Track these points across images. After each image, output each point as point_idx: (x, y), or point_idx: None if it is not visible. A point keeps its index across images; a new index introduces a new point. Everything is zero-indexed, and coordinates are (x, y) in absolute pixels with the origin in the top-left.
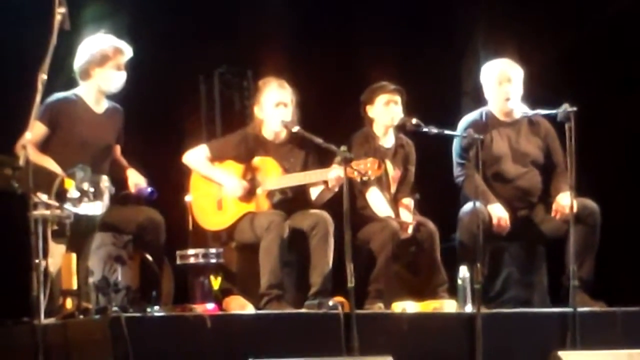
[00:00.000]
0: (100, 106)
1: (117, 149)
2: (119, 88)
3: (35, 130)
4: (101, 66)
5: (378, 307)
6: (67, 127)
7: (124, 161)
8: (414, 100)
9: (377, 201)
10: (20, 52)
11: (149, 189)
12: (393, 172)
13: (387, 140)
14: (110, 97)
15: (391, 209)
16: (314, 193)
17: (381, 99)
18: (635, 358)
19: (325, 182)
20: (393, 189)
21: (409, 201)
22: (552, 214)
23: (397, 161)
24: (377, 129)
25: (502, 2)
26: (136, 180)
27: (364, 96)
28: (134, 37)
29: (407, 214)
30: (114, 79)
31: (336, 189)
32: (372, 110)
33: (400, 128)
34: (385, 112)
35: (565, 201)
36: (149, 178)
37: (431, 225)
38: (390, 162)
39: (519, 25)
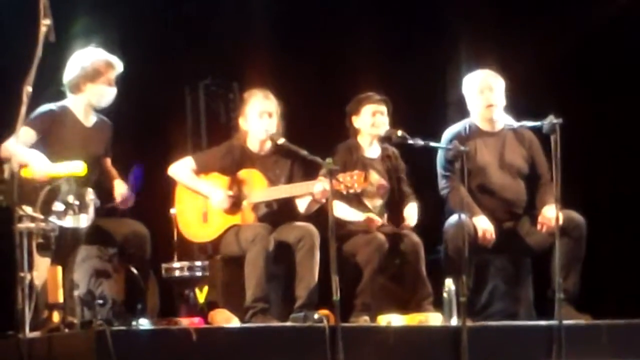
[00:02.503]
0: (89, 120)
1: (108, 161)
2: (109, 103)
3: (25, 135)
4: (93, 81)
5: (364, 320)
6: (56, 139)
7: (113, 171)
8: (398, 111)
9: (343, 211)
10: (6, 64)
11: (133, 173)
12: (378, 181)
13: (372, 151)
14: (98, 109)
15: (378, 217)
16: (301, 205)
17: (367, 110)
18: None
19: (312, 194)
20: (378, 199)
21: (412, 206)
22: (538, 227)
23: (383, 171)
24: (363, 139)
25: (487, 14)
26: (121, 191)
27: (350, 107)
28: (120, 50)
29: (412, 219)
30: (105, 94)
31: (323, 201)
32: (357, 121)
33: (386, 140)
34: (372, 122)
35: (550, 214)
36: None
37: (415, 237)
38: (375, 172)
39: (503, 36)
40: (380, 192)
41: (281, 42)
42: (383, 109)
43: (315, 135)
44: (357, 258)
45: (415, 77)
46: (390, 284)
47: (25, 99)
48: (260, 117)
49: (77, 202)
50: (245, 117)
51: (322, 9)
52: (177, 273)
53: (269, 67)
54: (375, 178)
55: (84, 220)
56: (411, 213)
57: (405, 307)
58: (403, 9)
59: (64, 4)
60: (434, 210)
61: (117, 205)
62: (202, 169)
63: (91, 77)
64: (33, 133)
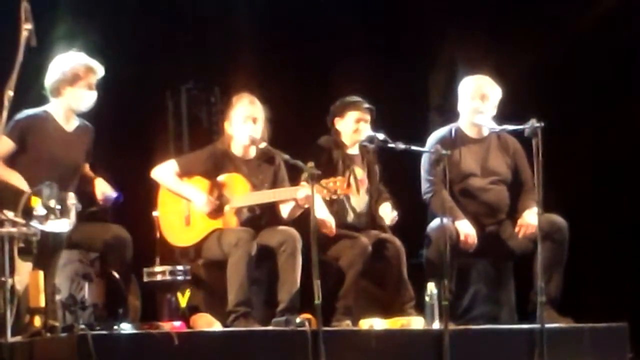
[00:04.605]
0: (70, 124)
1: (86, 166)
2: (89, 107)
3: (2, 145)
4: (72, 85)
5: (346, 324)
6: (36, 145)
7: (91, 174)
8: (381, 115)
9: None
10: None
11: (115, 194)
12: (361, 176)
13: (354, 149)
14: (81, 114)
15: (364, 216)
16: (284, 210)
17: (352, 115)
18: None
19: (295, 200)
20: (362, 194)
21: (386, 205)
22: (516, 231)
23: (364, 168)
24: (344, 140)
25: (471, 18)
26: (103, 189)
27: (335, 108)
28: (102, 54)
29: (387, 217)
30: (85, 98)
31: (306, 206)
32: (340, 123)
33: (368, 142)
34: (354, 128)
35: (530, 218)
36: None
37: (397, 242)
38: (358, 167)
39: (487, 41)
40: (362, 186)
41: (264, 46)
42: (368, 117)
43: (300, 139)
44: (340, 262)
45: (399, 82)
46: (373, 288)
47: (6, 103)
48: (244, 122)
49: (58, 207)
50: (230, 122)
51: (306, 12)
52: (159, 277)
53: (252, 71)
54: (359, 173)
55: (65, 225)
56: (386, 211)
57: (387, 311)
58: (388, 13)
59: (46, 8)
60: (417, 214)
61: (99, 202)
62: (185, 172)
63: (70, 81)
64: (11, 143)
